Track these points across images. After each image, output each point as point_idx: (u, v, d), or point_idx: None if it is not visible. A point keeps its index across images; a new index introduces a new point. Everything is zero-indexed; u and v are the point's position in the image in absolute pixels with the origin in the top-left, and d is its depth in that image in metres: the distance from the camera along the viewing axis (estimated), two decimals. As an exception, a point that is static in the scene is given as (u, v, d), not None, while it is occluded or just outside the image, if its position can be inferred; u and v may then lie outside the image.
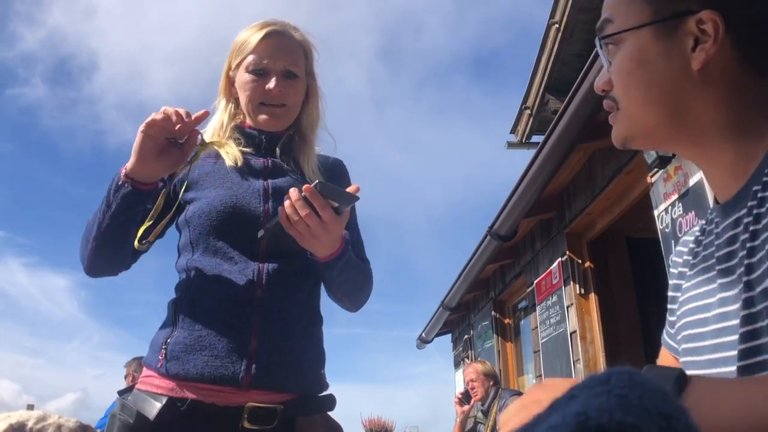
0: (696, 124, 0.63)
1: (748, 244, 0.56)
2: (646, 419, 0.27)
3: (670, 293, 0.77)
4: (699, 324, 0.64)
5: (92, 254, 1.05)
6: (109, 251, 1.05)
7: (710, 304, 0.63)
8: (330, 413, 1.11)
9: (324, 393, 1.10)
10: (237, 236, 1.05)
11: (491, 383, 3.77)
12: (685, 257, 0.74)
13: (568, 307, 3.97)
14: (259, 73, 1.12)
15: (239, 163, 1.10)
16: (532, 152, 3.57)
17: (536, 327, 4.55)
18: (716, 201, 0.68)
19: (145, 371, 1.05)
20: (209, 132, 1.17)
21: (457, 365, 7.52)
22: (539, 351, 4.47)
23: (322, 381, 1.11)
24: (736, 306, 0.57)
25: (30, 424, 2.91)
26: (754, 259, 0.54)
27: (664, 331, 0.79)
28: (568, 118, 2.90)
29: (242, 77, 1.14)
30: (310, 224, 0.96)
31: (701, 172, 0.70)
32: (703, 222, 0.73)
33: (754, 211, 0.56)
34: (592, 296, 3.87)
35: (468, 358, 6.66)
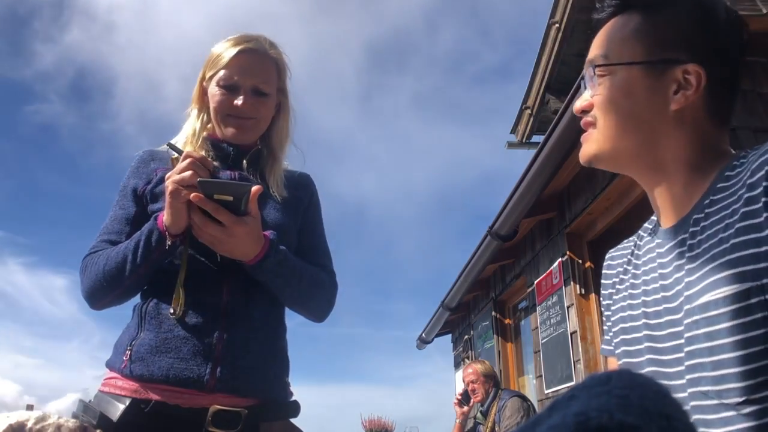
0: (660, 158, 0.72)
1: (686, 266, 0.66)
2: (647, 419, 0.27)
3: (605, 302, 0.88)
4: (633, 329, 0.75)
5: (112, 299, 1.07)
6: (132, 295, 1.08)
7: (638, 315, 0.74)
8: (293, 420, 1.11)
9: (289, 400, 1.11)
10: (201, 245, 1.04)
11: (491, 384, 3.77)
12: (616, 271, 0.85)
13: (568, 308, 3.97)
14: (229, 88, 1.14)
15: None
16: (532, 152, 3.57)
17: (536, 327, 4.55)
18: (658, 223, 0.77)
19: (108, 373, 1.05)
20: (181, 138, 1.19)
21: (457, 365, 7.52)
22: (539, 351, 4.46)
23: (287, 388, 1.12)
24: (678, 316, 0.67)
25: (29, 424, 2.90)
26: (693, 277, 0.64)
27: (603, 341, 0.88)
28: (568, 118, 2.90)
29: (212, 90, 1.16)
30: (209, 231, 0.98)
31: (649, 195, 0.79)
32: (635, 239, 0.84)
33: (696, 236, 0.66)
34: (593, 296, 3.86)
35: (468, 358, 6.66)
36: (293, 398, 1.13)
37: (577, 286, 3.89)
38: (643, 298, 0.74)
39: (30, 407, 3.92)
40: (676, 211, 0.72)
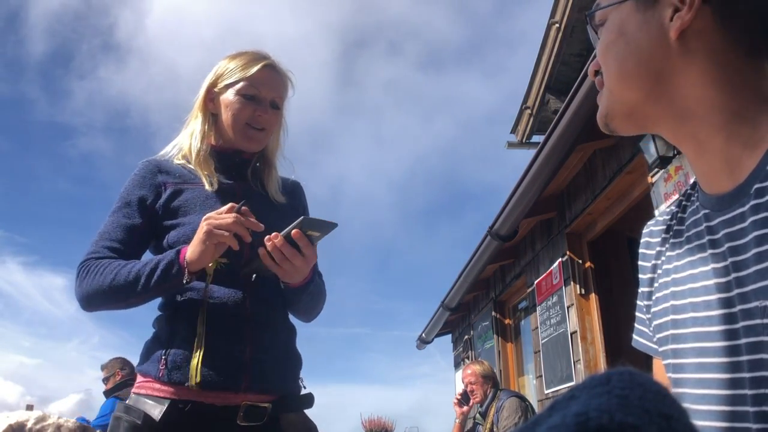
0: (680, 100, 0.60)
1: (754, 250, 0.52)
2: (647, 420, 0.27)
3: (643, 289, 0.73)
4: (686, 308, 0.60)
5: (108, 309, 1.14)
6: (127, 308, 1.14)
7: (697, 289, 0.59)
8: (307, 411, 1.22)
9: (302, 393, 1.21)
10: (223, 272, 1.13)
11: (489, 385, 3.77)
12: (661, 238, 0.70)
13: (568, 308, 3.97)
14: (251, 98, 1.22)
15: (215, 187, 1.20)
16: (532, 152, 3.57)
17: (536, 327, 4.55)
18: (700, 189, 0.64)
19: (142, 378, 1.11)
20: (182, 144, 1.25)
21: (457, 365, 7.52)
22: (539, 351, 4.46)
23: (300, 382, 1.23)
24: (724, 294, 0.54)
25: (29, 424, 2.90)
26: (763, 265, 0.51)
27: (634, 333, 0.76)
28: (568, 118, 2.90)
29: (231, 98, 1.22)
30: (294, 263, 1.07)
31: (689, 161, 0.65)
32: (680, 198, 0.69)
33: (761, 211, 0.53)
34: (593, 296, 3.87)
35: (468, 358, 6.66)
36: (307, 391, 1.22)
37: (577, 286, 3.89)
38: (690, 285, 0.60)
39: (30, 407, 3.92)
40: (721, 175, 0.58)
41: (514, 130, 5.84)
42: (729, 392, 0.53)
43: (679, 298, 0.61)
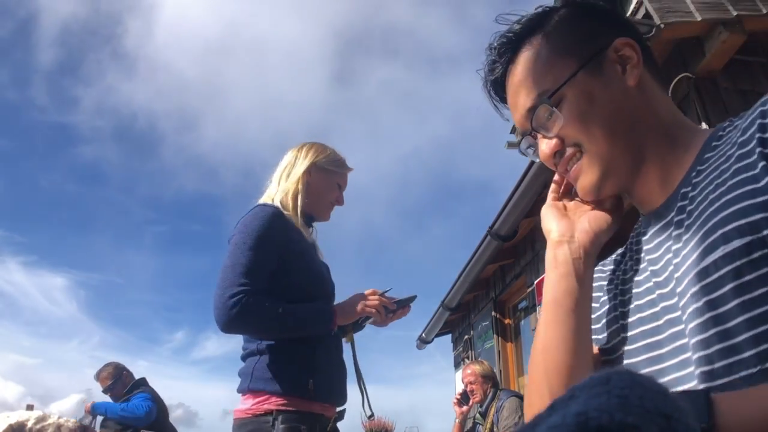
0: (641, 138, 0.68)
1: (676, 245, 0.61)
2: (647, 419, 0.27)
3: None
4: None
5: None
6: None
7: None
8: None
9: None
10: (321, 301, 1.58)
11: (489, 385, 3.77)
12: (611, 268, 0.80)
13: (568, 308, 3.96)
14: (339, 187, 1.73)
15: (307, 240, 1.61)
16: (532, 152, 3.56)
17: (537, 327, 4.54)
18: (644, 216, 0.73)
19: (288, 397, 1.44)
20: (282, 198, 1.60)
21: (457, 365, 7.52)
22: (539, 351, 4.46)
23: None
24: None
25: (30, 424, 2.90)
26: (686, 249, 0.59)
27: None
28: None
29: (327, 182, 1.69)
30: (391, 321, 1.64)
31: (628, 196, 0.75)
32: (619, 253, 0.80)
33: (685, 209, 0.62)
34: (593, 296, 3.86)
35: (468, 358, 6.66)
36: None
37: (577, 286, 3.89)
38: (635, 290, 0.68)
39: (30, 407, 3.92)
40: (658, 195, 0.68)
41: (513, 130, 5.84)
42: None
43: (626, 305, 0.70)
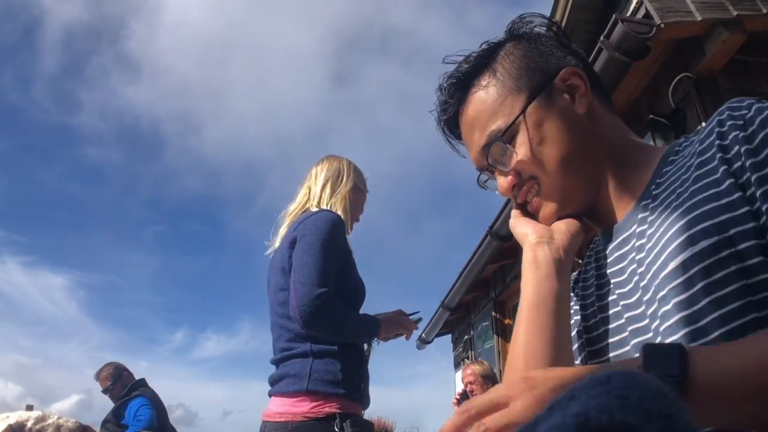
0: (596, 163, 0.69)
1: (639, 255, 0.62)
2: (647, 420, 0.27)
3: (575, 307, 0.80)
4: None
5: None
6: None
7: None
8: None
9: None
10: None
11: (489, 385, 3.77)
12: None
13: (568, 308, 3.96)
14: (363, 202, 1.89)
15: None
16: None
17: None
18: (602, 234, 0.74)
19: (349, 401, 1.53)
20: (336, 205, 1.73)
21: (457, 366, 7.52)
22: (539, 351, 4.46)
23: None
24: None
25: (29, 424, 2.90)
26: (650, 257, 0.60)
27: None
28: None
29: (361, 201, 1.87)
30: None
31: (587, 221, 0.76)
32: (579, 271, 0.81)
33: (646, 220, 0.63)
34: (593, 296, 3.86)
35: (468, 358, 6.66)
36: None
37: (577, 286, 3.89)
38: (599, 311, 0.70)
39: (30, 407, 3.92)
40: (623, 209, 0.70)
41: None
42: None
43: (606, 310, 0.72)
